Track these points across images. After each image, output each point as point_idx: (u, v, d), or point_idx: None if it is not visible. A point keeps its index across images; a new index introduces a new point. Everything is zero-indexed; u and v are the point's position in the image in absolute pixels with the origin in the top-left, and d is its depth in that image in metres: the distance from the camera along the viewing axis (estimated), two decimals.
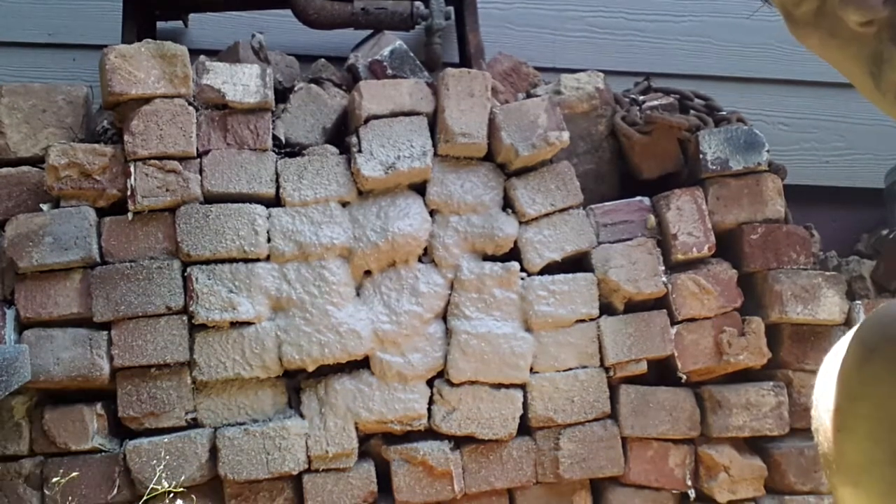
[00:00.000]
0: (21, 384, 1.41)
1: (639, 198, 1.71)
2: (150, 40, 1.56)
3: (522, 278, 1.62)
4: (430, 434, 1.59)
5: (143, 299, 1.51)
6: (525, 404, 1.61)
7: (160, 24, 1.96)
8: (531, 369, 1.61)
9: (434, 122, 1.63)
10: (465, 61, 1.92)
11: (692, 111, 1.82)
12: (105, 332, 1.51)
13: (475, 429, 1.59)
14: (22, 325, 1.50)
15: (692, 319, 1.66)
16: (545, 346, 1.62)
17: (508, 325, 1.61)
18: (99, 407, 1.50)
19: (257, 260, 1.55)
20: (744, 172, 1.71)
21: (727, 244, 1.72)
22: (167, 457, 1.47)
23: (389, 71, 1.74)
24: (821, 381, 0.52)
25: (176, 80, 1.55)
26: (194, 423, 1.53)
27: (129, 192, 1.52)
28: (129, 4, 1.83)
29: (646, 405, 1.64)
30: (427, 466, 1.55)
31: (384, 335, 1.57)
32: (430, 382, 1.60)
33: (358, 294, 1.60)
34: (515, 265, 1.62)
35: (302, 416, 1.55)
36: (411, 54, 1.78)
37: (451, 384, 1.59)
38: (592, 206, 1.69)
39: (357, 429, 1.56)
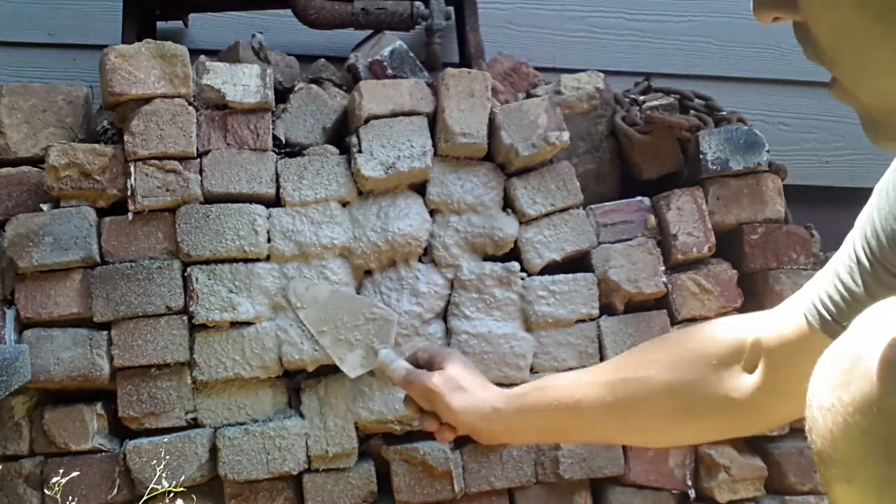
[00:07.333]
0: (21, 384, 1.40)
1: (639, 198, 1.71)
2: (150, 40, 1.56)
3: (522, 278, 1.62)
4: (431, 434, 1.59)
5: (143, 299, 1.51)
6: None
7: (160, 24, 1.95)
8: (531, 369, 1.61)
9: (434, 122, 1.63)
10: (465, 61, 1.92)
11: (692, 111, 1.82)
12: (105, 332, 1.50)
13: None
14: (22, 325, 1.50)
15: (692, 319, 1.66)
16: (545, 346, 1.62)
17: (508, 325, 1.61)
18: (99, 407, 1.50)
19: (257, 260, 1.55)
20: (744, 172, 1.71)
21: (727, 244, 1.72)
22: (167, 457, 1.47)
23: (389, 71, 1.74)
24: (815, 381, 0.52)
25: (176, 80, 1.55)
26: (194, 423, 1.53)
27: (129, 192, 1.52)
28: (129, 4, 1.82)
29: None
30: (427, 466, 1.55)
31: None
32: None
33: (358, 294, 1.60)
34: (516, 265, 1.62)
35: (302, 416, 1.55)
36: (411, 54, 1.78)
37: None
38: (592, 206, 1.69)
39: (357, 429, 1.56)
